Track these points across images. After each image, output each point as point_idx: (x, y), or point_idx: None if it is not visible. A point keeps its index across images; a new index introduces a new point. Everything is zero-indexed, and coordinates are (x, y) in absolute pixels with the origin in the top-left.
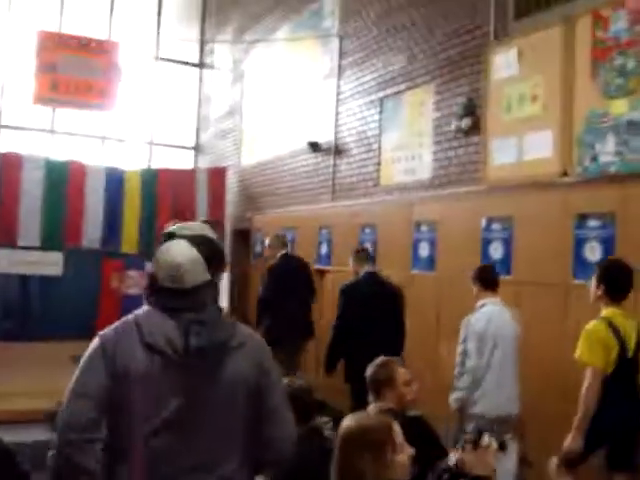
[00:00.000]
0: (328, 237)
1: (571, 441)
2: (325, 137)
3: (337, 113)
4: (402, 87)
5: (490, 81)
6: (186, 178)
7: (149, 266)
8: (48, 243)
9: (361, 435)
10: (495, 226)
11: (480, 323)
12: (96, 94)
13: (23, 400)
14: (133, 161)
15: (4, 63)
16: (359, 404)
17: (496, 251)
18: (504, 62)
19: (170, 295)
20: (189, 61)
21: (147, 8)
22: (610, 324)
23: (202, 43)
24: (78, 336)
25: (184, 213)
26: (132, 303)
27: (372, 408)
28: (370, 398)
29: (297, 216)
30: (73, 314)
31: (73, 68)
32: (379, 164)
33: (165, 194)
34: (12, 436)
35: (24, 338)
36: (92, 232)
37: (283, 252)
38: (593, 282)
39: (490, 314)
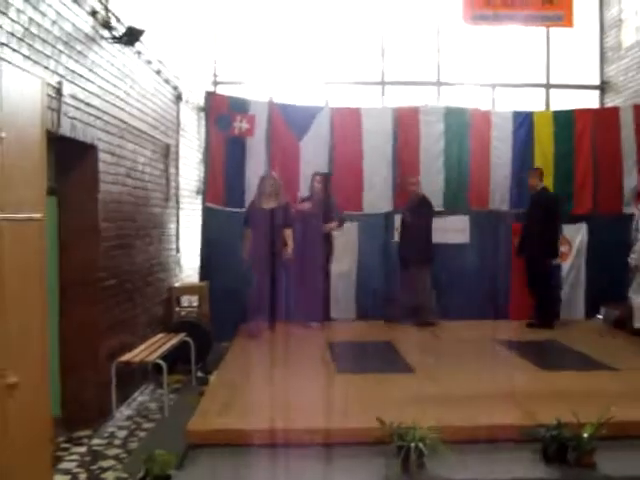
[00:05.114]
0: None
1: None
2: None
3: None
4: None
5: None
6: (608, 118)
7: (567, 229)
8: (452, 206)
9: None
10: None
11: None
12: (547, 2)
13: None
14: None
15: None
16: None
17: None
18: None
19: None
20: None
21: None
22: None
23: None
24: (491, 315)
25: (608, 156)
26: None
27: None
28: None
29: None
30: (482, 291)
31: None
32: None
33: (583, 136)
34: None
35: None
36: (500, 191)
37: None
38: None
39: None
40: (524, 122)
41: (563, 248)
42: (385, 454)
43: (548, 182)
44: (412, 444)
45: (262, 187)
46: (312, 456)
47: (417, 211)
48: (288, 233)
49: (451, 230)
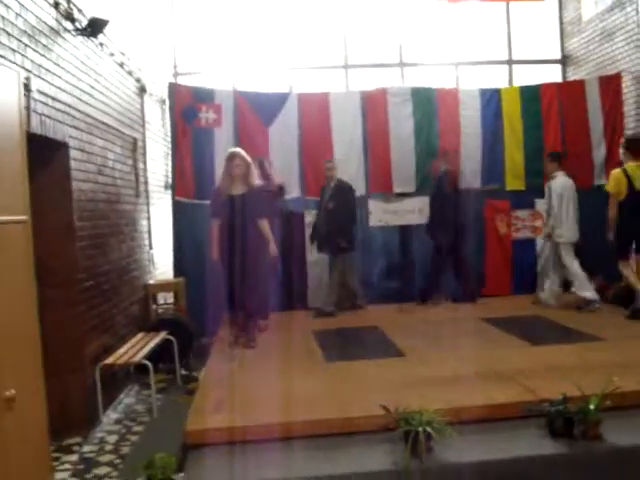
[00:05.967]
0: None
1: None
2: None
3: None
4: None
5: None
6: (574, 91)
7: (540, 203)
8: (426, 187)
9: None
10: None
11: (558, 186)
12: None
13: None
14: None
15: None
16: None
17: None
18: None
19: None
20: None
21: None
22: (624, 170)
23: None
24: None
25: (576, 129)
26: (523, 249)
27: None
28: None
29: None
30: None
31: None
32: None
33: (550, 110)
34: None
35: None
36: (471, 169)
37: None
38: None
39: (562, 181)
40: (492, 99)
41: (537, 222)
42: (390, 440)
43: (519, 157)
44: (420, 428)
45: (229, 169)
46: (316, 448)
47: (337, 196)
48: (264, 225)
49: (424, 211)
